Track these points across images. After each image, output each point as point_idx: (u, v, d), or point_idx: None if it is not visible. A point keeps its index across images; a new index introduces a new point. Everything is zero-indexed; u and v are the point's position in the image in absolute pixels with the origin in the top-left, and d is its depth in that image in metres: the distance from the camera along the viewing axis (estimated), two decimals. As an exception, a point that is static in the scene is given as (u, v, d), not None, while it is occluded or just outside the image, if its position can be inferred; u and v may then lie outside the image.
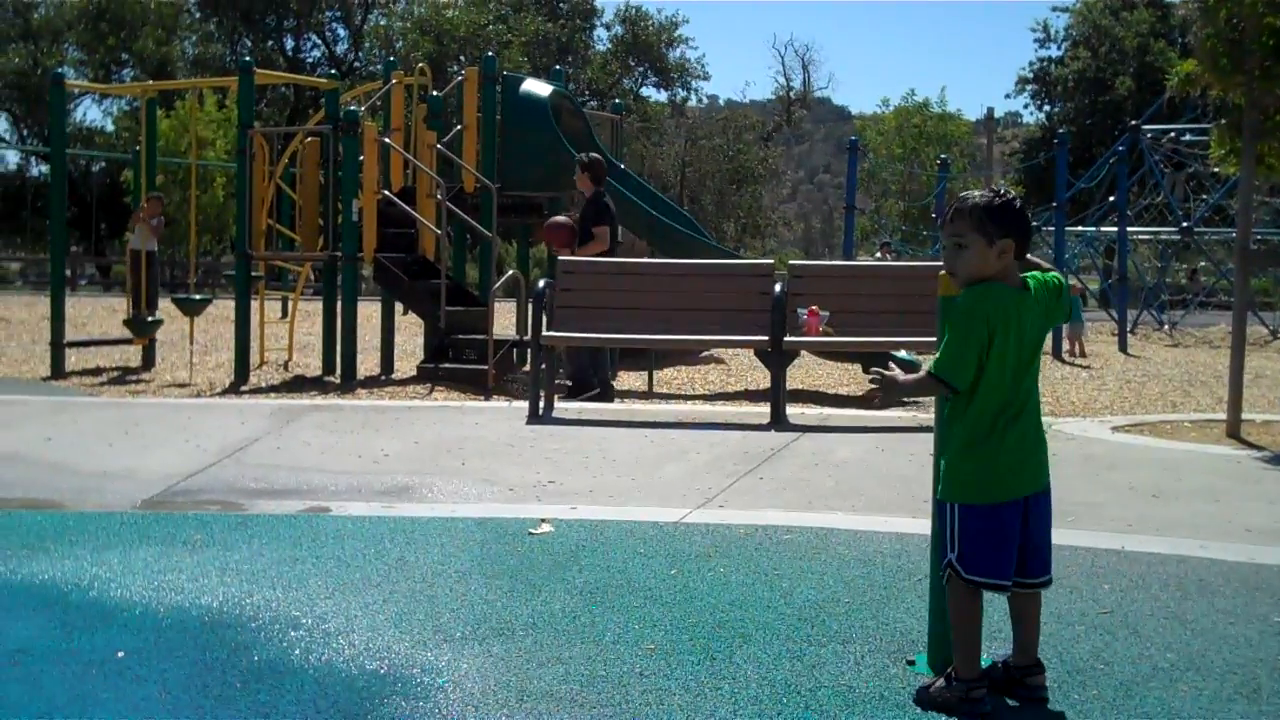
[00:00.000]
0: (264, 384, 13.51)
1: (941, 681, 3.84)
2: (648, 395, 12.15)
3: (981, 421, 3.83)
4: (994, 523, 3.83)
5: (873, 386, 4.07)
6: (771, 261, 11.43)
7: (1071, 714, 3.76)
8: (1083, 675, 4.08)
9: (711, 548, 5.76)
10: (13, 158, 64.13)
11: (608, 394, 11.76)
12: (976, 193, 3.91)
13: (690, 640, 4.38)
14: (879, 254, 25.96)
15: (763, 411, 9.83)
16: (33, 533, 5.99)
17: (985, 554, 3.82)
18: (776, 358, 9.98)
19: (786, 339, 9.99)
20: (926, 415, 10.17)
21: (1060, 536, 5.91)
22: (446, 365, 13.17)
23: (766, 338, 10.01)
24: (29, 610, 4.79)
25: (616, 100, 28.27)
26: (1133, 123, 30.27)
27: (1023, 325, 3.82)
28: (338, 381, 13.33)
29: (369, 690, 3.94)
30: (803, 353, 13.57)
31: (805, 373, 14.63)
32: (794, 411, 10.03)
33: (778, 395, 9.67)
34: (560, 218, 12.69)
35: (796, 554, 5.68)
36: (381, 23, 64.04)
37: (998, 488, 3.84)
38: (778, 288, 10.13)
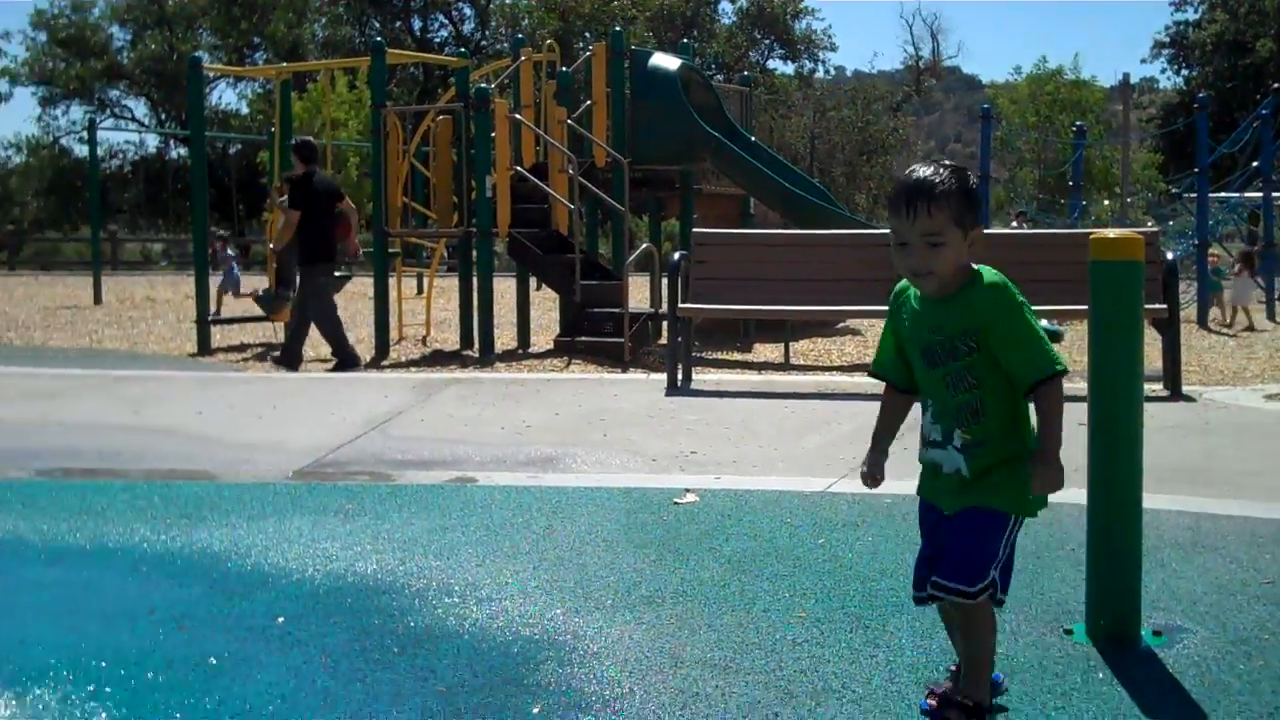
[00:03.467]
0: (403, 359, 13.70)
1: (958, 714, 3.39)
2: (784, 367, 12.11)
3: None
4: None
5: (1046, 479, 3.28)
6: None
7: (1239, 684, 3.68)
8: (1248, 645, 3.99)
9: (859, 517, 5.72)
10: (152, 141, 65.70)
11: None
12: (928, 169, 3.30)
13: (841, 608, 4.36)
14: (1014, 223, 25.59)
15: (902, 382, 9.73)
16: (190, 503, 6.14)
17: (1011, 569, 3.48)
18: (915, 327, 9.85)
19: (925, 308, 9.87)
20: (1077, 386, 10.00)
21: (1218, 506, 5.81)
22: (583, 338, 13.24)
23: (905, 307, 9.90)
24: (191, 577, 4.91)
25: (745, 73, 28.12)
26: (1275, 85, 29.38)
27: None
28: (476, 355, 13.47)
29: (524, 655, 3.98)
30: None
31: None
32: (934, 381, 9.91)
33: (917, 365, 9.56)
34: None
35: (945, 523, 5.61)
36: (508, 1, 64.39)
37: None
38: (916, 256, 10.01)
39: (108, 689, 3.66)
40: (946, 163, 3.35)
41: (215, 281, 18.19)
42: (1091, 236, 4.09)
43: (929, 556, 3.46)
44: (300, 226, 12.69)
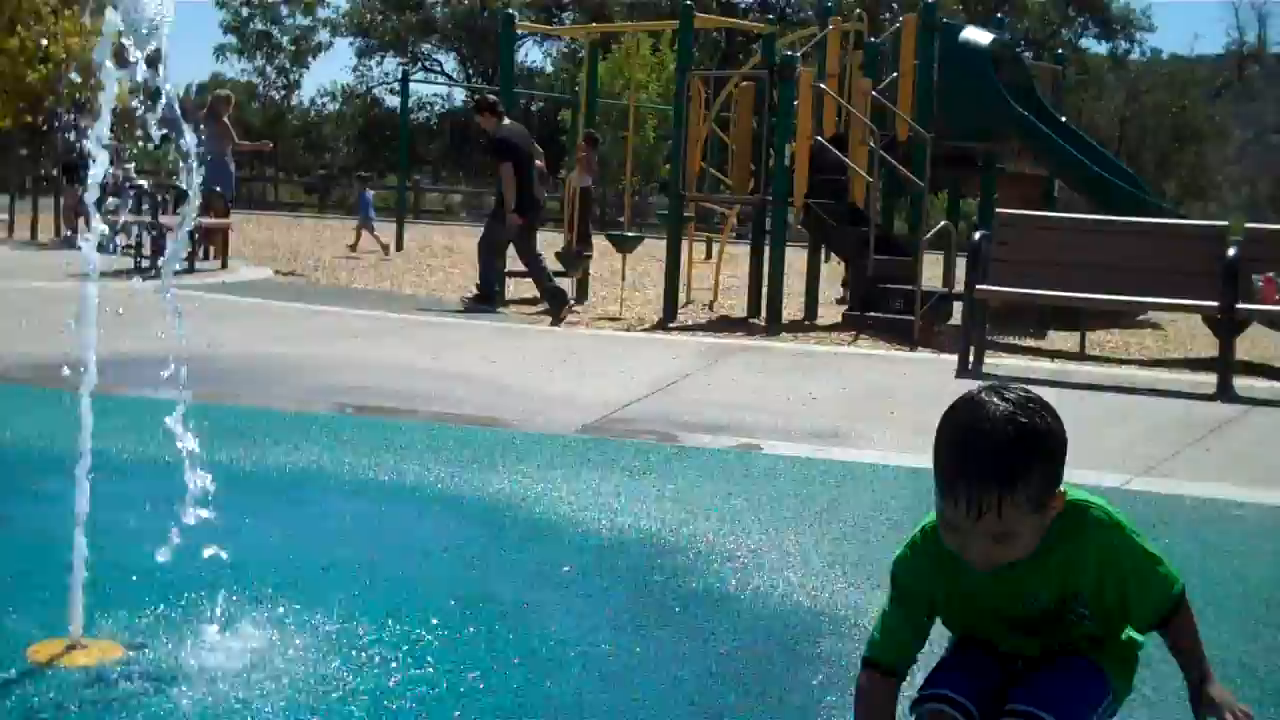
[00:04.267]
0: (690, 322, 13.78)
1: None
2: (1079, 356, 11.73)
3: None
4: None
5: None
6: (1226, 224, 10.79)
7: None
8: None
9: (1155, 517, 5.49)
10: (459, 95, 67.72)
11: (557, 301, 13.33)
12: (994, 432, 2.33)
13: (1135, 610, 4.19)
14: (1336, 222, 24.30)
15: (1207, 381, 9.33)
16: (483, 448, 6.31)
17: None
18: (1226, 325, 9.44)
19: (1239, 305, 9.44)
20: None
21: None
22: (872, 314, 13.09)
23: (1216, 303, 9.48)
24: (481, 520, 5.06)
25: (1059, 51, 27.29)
26: None
27: None
28: (762, 324, 13.46)
29: (804, 626, 3.97)
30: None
31: (1251, 343, 13.74)
32: (1241, 383, 9.46)
33: (1226, 365, 9.15)
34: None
35: (1249, 531, 5.37)
36: (815, -31, 63.95)
37: None
38: (1231, 251, 9.57)
39: (400, 619, 3.78)
40: (1021, 408, 2.36)
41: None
42: None
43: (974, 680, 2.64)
44: (507, 189, 13.73)
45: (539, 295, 14.02)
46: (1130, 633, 2.68)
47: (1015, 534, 2.38)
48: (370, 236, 23.01)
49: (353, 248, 22.62)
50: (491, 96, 14.71)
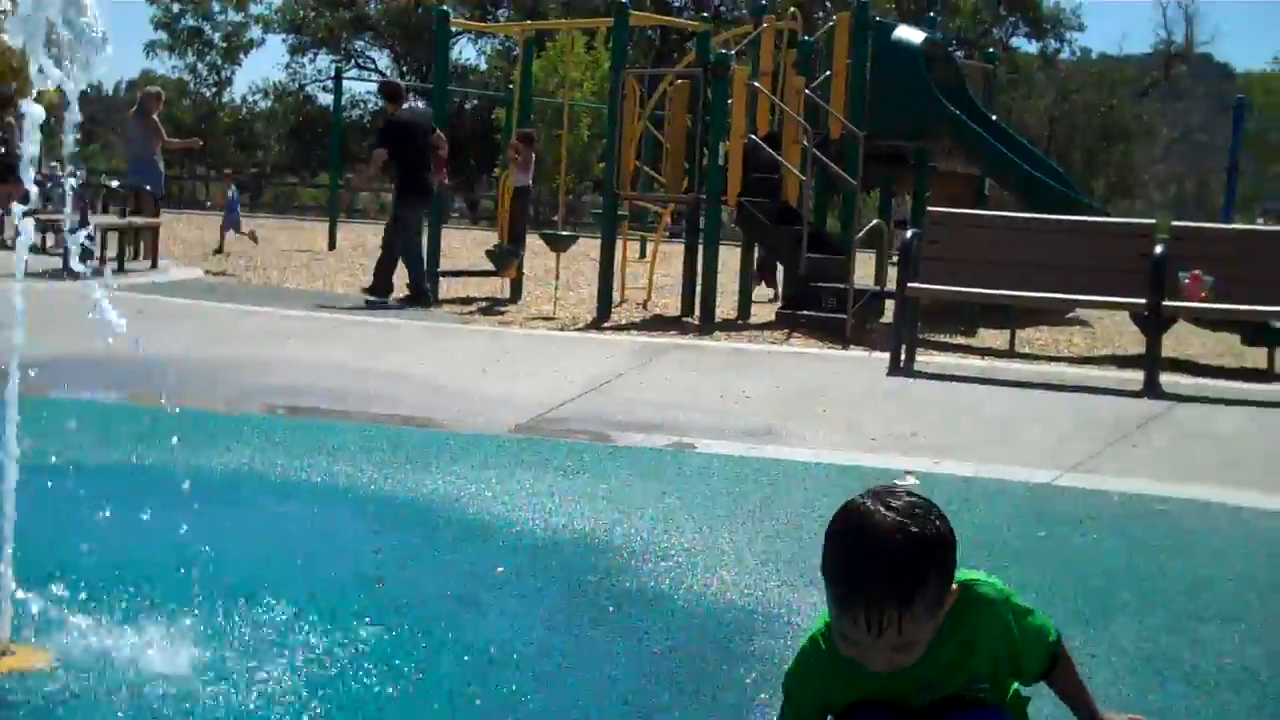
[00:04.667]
0: (624, 321, 13.79)
1: None
2: (1009, 354, 11.86)
3: None
4: None
5: None
6: (1153, 221, 10.96)
7: None
8: None
9: (1083, 513, 5.58)
10: (394, 94, 67.23)
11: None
12: (889, 543, 2.27)
13: (1062, 604, 4.25)
14: (1261, 219, 24.72)
15: (1133, 378, 9.46)
16: (416, 448, 6.30)
17: None
18: (1153, 322, 9.58)
19: (1165, 303, 9.58)
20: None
21: None
22: (805, 312, 13.16)
23: (1143, 300, 9.62)
24: (415, 521, 5.05)
25: (990, 50, 27.52)
26: None
27: None
28: (696, 323, 13.49)
29: (738, 624, 4.00)
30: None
31: (1176, 340, 13.95)
32: (1167, 380, 9.60)
33: (1153, 361, 9.28)
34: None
35: (1174, 526, 5.45)
36: (750, -33, 64.05)
37: None
38: (1158, 249, 9.71)
39: (334, 620, 3.77)
40: (909, 517, 2.31)
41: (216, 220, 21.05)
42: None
43: None
44: (396, 165, 14.40)
45: (373, 274, 14.39)
46: (1016, 687, 2.69)
47: (916, 641, 2.36)
48: (236, 235, 22.48)
49: (220, 250, 21.81)
50: (396, 81, 14.89)
